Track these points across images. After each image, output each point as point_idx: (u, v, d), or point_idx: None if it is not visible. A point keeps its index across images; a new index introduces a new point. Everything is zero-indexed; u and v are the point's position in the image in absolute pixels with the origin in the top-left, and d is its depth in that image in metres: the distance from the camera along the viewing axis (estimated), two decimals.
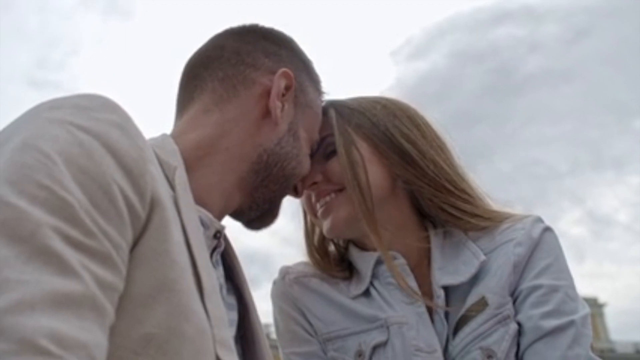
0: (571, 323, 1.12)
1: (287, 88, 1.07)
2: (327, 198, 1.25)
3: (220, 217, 1.03)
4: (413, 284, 1.24)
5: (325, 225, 1.26)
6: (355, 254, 1.33)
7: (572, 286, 1.19)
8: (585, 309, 1.17)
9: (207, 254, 0.85)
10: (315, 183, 1.24)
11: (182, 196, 0.84)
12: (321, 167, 1.25)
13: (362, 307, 1.26)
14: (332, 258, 1.38)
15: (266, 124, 1.05)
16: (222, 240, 1.01)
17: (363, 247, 1.33)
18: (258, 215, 1.12)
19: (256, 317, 1.06)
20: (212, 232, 0.97)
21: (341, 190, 1.24)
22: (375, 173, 1.23)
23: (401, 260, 1.25)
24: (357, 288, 1.29)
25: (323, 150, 1.27)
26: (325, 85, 1.24)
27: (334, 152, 1.25)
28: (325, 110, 1.27)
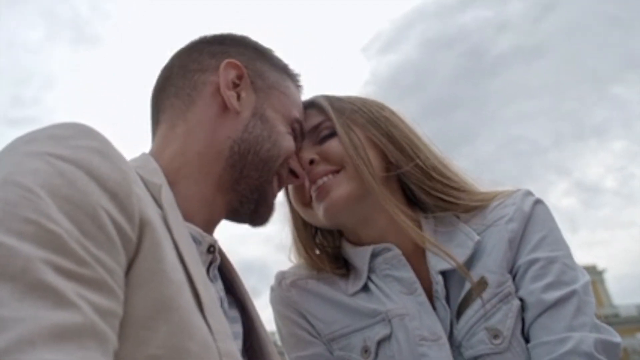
0: (573, 292, 1.12)
1: (240, 77, 1.08)
2: (325, 179, 1.24)
3: (209, 229, 1.03)
4: (410, 274, 1.24)
5: (323, 206, 1.24)
6: (349, 250, 1.33)
7: (569, 255, 1.19)
8: (586, 277, 1.17)
9: (202, 270, 0.85)
10: (311, 163, 1.24)
11: (171, 214, 0.83)
12: (316, 149, 1.26)
13: (362, 302, 1.26)
14: (327, 256, 1.38)
15: (228, 116, 1.05)
16: (217, 254, 1.01)
17: (355, 242, 1.33)
18: (253, 208, 1.10)
19: (262, 327, 1.05)
20: (205, 247, 0.97)
21: (338, 171, 1.24)
22: (373, 157, 1.25)
23: (395, 252, 1.26)
24: (355, 284, 1.29)
25: (316, 136, 1.29)
26: (295, 68, 1.23)
27: (329, 136, 1.27)
28: (316, 101, 1.32)
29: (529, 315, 1.15)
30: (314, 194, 1.26)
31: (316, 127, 1.29)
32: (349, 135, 1.25)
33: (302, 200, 1.31)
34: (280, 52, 1.20)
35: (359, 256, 1.30)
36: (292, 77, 1.21)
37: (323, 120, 1.29)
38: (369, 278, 1.29)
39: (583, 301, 1.12)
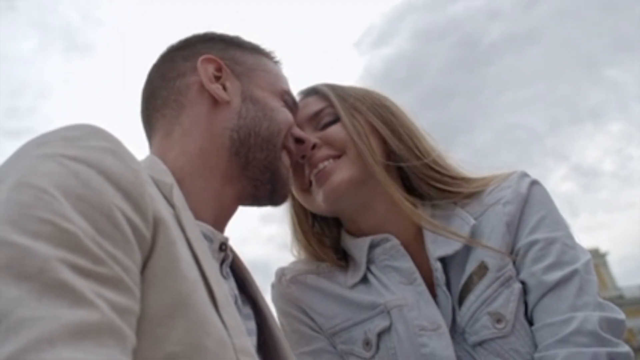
0: (574, 272, 1.12)
1: (219, 69, 1.10)
2: (326, 163, 1.25)
3: (219, 226, 1.04)
4: (409, 264, 1.24)
5: (323, 190, 1.24)
6: (348, 242, 1.33)
7: (569, 235, 1.19)
8: (586, 255, 1.17)
9: (216, 267, 0.86)
10: (313, 148, 1.25)
11: (183, 213, 0.84)
12: (317, 135, 1.27)
13: (361, 295, 1.26)
14: (326, 246, 1.38)
15: (220, 108, 1.07)
16: (228, 252, 1.02)
17: (354, 231, 1.33)
18: (270, 188, 1.11)
19: (275, 324, 1.06)
20: (217, 244, 0.98)
21: (339, 156, 1.25)
22: (373, 143, 1.26)
23: (394, 242, 1.26)
24: (355, 276, 1.29)
25: (317, 123, 1.30)
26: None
27: (331, 122, 1.28)
28: (317, 88, 1.34)
29: (531, 298, 1.15)
30: (313, 179, 1.27)
31: (318, 114, 1.30)
32: (352, 121, 1.26)
33: (300, 186, 1.32)
34: (275, 52, 1.22)
35: (358, 247, 1.30)
36: (266, 54, 1.22)
37: (325, 106, 1.30)
38: (368, 269, 1.29)
39: (585, 280, 1.12)
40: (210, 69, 1.09)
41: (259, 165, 1.07)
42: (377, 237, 1.27)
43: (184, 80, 1.09)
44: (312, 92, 1.35)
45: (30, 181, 0.63)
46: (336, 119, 1.28)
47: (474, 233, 1.22)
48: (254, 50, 1.20)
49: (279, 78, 1.19)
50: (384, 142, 1.28)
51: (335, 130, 1.27)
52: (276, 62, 1.23)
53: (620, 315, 1.11)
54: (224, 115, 1.06)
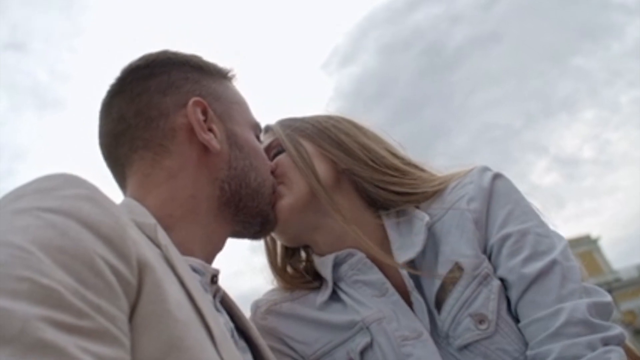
0: (554, 262, 1.10)
1: (204, 112, 1.04)
2: None
3: (210, 260, 1.03)
4: (378, 275, 1.22)
5: None
6: (316, 262, 1.31)
7: (540, 223, 1.18)
8: (562, 241, 1.16)
9: (210, 302, 0.85)
10: None
11: (171, 251, 0.82)
12: None
13: (337, 315, 1.23)
14: (300, 272, 1.37)
15: (210, 156, 1.03)
16: (219, 284, 1.00)
17: (319, 252, 1.31)
18: (258, 229, 1.15)
19: (270, 355, 1.05)
20: (208, 277, 0.96)
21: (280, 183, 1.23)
22: (320, 166, 1.25)
23: (359, 255, 1.24)
24: (323, 294, 1.27)
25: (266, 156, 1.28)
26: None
27: (278, 153, 1.28)
28: (268, 125, 1.34)
29: (513, 293, 1.13)
30: None
31: (267, 149, 1.28)
32: (296, 147, 1.25)
33: None
34: (244, 86, 1.18)
35: (324, 265, 1.27)
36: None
37: (273, 139, 1.30)
38: (339, 288, 1.27)
39: (566, 268, 1.10)
40: (198, 113, 1.02)
41: (250, 212, 1.09)
42: (341, 253, 1.25)
43: (169, 122, 1.01)
44: (265, 130, 1.35)
45: (6, 239, 0.60)
46: (282, 150, 1.27)
47: (438, 232, 1.20)
48: (218, 74, 1.14)
49: (247, 108, 1.17)
50: (333, 163, 1.27)
51: (279, 159, 1.26)
52: (235, 83, 1.18)
53: (607, 297, 1.10)
54: (215, 165, 1.03)
